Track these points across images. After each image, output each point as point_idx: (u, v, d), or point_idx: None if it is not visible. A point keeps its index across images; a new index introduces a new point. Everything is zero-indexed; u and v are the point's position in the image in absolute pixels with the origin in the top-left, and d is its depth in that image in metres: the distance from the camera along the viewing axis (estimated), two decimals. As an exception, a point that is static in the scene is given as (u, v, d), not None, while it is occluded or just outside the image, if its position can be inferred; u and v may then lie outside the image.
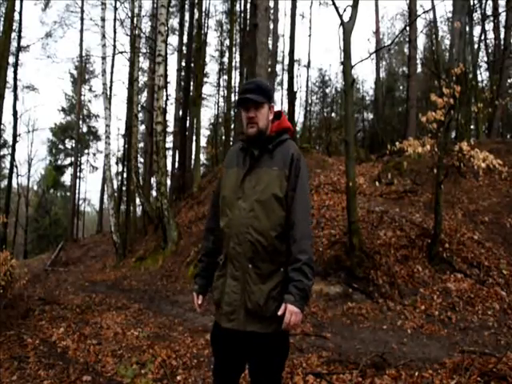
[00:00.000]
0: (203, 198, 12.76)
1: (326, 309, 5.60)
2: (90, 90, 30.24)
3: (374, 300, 5.68)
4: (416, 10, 14.57)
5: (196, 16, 15.97)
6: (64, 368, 3.67)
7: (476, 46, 14.83)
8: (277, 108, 1.97)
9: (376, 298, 5.71)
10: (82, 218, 32.74)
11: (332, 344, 4.30)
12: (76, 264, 15.21)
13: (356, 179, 7.39)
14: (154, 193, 18.38)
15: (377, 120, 20.08)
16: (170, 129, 24.67)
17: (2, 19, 12.80)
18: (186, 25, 19.25)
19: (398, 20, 26.88)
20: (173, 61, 23.78)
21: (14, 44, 15.89)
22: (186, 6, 19.63)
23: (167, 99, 17.88)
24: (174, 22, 23.25)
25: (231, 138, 16.35)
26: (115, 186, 18.86)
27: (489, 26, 16.43)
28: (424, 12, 19.82)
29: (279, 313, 1.67)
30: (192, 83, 17.12)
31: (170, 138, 25.41)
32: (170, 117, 24.67)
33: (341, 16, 6.55)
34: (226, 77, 20.18)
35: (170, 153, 22.92)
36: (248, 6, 16.64)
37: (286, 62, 21.33)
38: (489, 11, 15.62)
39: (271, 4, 15.96)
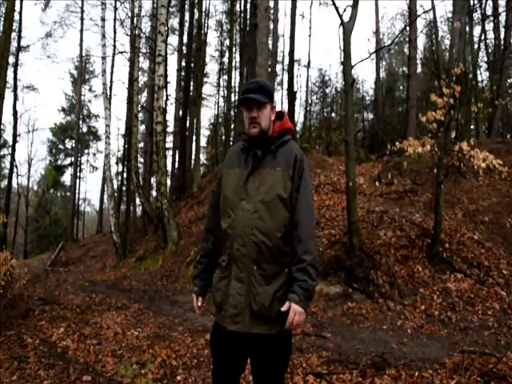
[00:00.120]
0: (203, 198, 12.76)
1: (326, 309, 5.60)
2: (90, 90, 30.27)
3: (374, 300, 5.68)
4: (416, 10, 14.57)
5: (196, 16, 15.97)
6: (64, 368, 3.67)
7: (476, 46, 14.84)
8: (277, 108, 1.96)
9: (376, 297, 5.71)
10: (82, 218, 32.74)
11: (332, 344, 4.30)
12: (76, 264, 15.21)
13: (356, 179, 7.39)
14: (154, 193, 18.40)
15: (377, 120, 20.08)
16: (170, 129, 24.69)
17: (2, 19, 12.80)
18: (186, 25, 19.27)
19: (398, 20, 26.90)
20: (173, 61, 23.82)
21: (14, 44, 15.90)
22: (186, 6, 19.63)
23: (167, 99, 17.89)
24: (174, 22, 23.29)
25: (231, 138, 16.35)
26: (115, 186, 18.87)
27: (489, 26, 16.46)
28: (424, 12, 19.84)
29: (283, 309, 1.66)
30: (192, 83, 17.12)
31: (170, 138, 25.44)
32: (170, 117, 24.73)
33: (341, 16, 6.55)
34: (226, 77, 20.19)
35: (170, 153, 22.95)
36: (248, 5, 16.64)
37: (286, 62, 21.35)
38: (489, 11, 15.64)
39: (271, 4, 15.97)
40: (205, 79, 24.01)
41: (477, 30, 18.53)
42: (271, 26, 16.50)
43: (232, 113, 18.32)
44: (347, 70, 6.51)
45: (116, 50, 16.74)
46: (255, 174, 1.80)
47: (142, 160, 21.84)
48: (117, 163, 25.59)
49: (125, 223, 15.20)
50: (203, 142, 25.93)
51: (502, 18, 14.24)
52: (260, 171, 1.80)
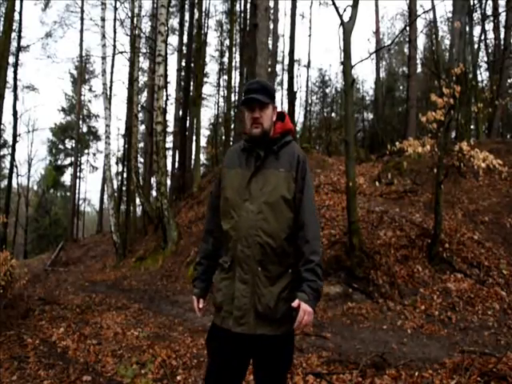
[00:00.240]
0: (203, 198, 12.76)
1: (326, 309, 5.60)
2: (90, 90, 30.26)
3: (374, 300, 5.68)
4: (416, 10, 14.57)
5: (196, 16, 15.98)
6: (64, 368, 3.67)
7: (476, 46, 14.83)
8: (277, 108, 1.96)
9: (376, 297, 5.71)
10: (82, 218, 32.74)
11: (332, 344, 4.30)
12: (76, 264, 15.21)
13: (356, 179, 7.39)
14: (154, 193, 18.42)
15: (377, 120, 20.07)
16: (170, 129, 24.69)
17: (2, 19, 12.80)
18: (186, 25, 19.27)
19: (398, 20, 26.92)
20: (173, 61, 23.82)
21: (14, 44, 15.89)
22: (186, 6, 19.63)
23: (167, 99, 17.88)
24: (174, 22, 23.28)
25: (231, 138, 16.35)
26: (115, 186, 18.86)
27: (489, 26, 16.45)
28: (424, 12, 19.84)
29: (294, 304, 1.66)
30: (192, 83, 17.12)
31: (170, 138, 25.44)
32: (170, 117, 24.71)
33: (341, 16, 6.55)
34: (226, 77, 20.18)
35: (170, 153, 22.94)
36: (248, 5, 16.64)
37: (286, 62, 21.34)
38: (489, 11, 15.63)
39: (271, 4, 15.97)
40: (205, 79, 24.01)
41: (477, 30, 18.54)
42: (271, 26, 16.50)
43: (232, 113, 18.32)
44: (347, 70, 6.51)
45: (116, 50, 16.74)
46: (258, 175, 1.78)
47: (142, 160, 21.85)
48: (117, 163, 25.62)
49: (125, 223, 15.20)
50: (203, 142, 25.95)
51: (502, 18, 14.26)
52: (263, 172, 1.78)
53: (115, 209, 13.38)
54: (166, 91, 16.73)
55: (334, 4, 6.69)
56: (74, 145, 27.67)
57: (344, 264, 6.31)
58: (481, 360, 3.40)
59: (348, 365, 3.55)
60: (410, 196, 8.44)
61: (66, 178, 32.23)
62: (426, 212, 7.42)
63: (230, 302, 1.76)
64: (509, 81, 15.23)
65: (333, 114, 23.74)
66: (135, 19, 13.97)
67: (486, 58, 16.75)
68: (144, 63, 21.54)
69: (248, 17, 16.61)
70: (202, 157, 23.28)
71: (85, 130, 29.99)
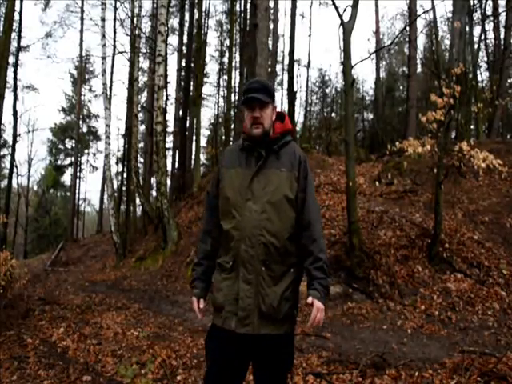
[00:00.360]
0: (203, 198, 12.75)
1: (326, 309, 5.53)
2: (90, 90, 30.24)
3: (374, 300, 5.68)
4: (416, 10, 14.57)
5: (196, 16, 15.97)
6: (64, 368, 3.67)
7: (476, 46, 14.83)
8: (277, 108, 1.96)
9: (376, 297, 5.71)
10: (82, 217, 32.73)
11: (332, 344, 4.30)
12: (76, 264, 15.21)
13: (356, 179, 7.39)
14: (154, 193, 18.41)
15: (377, 120, 20.07)
16: (170, 129, 24.67)
17: (2, 19, 12.80)
18: (186, 25, 19.26)
19: (398, 20, 26.91)
20: (173, 61, 23.80)
21: (14, 44, 15.88)
22: (186, 6, 19.62)
23: (167, 99, 17.88)
24: (174, 22, 23.26)
25: (231, 138, 16.33)
26: (115, 186, 18.86)
27: (489, 26, 16.44)
28: (424, 12, 19.85)
29: (308, 301, 1.67)
30: (192, 83, 17.12)
31: (170, 138, 25.42)
32: (170, 117, 24.69)
33: (341, 16, 6.55)
34: (226, 77, 20.17)
35: (170, 153, 22.92)
36: (248, 5, 16.63)
37: (286, 62, 21.32)
38: (489, 11, 15.63)
39: (271, 4, 15.98)
40: (205, 79, 24.00)
41: (477, 30, 18.53)
42: (271, 26, 16.50)
43: (232, 113, 18.31)
44: (347, 70, 6.51)
45: (116, 50, 16.74)
46: (259, 175, 1.77)
47: (142, 160, 21.84)
48: (117, 163, 25.61)
49: (125, 223, 15.20)
50: (203, 142, 25.96)
51: (502, 18, 14.26)
52: (264, 172, 1.78)
53: (115, 209, 13.39)
54: (166, 91, 16.73)
55: (334, 4, 6.70)
56: (74, 145, 27.67)
57: (344, 264, 6.31)
58: (481, 360, 3.40)
59: (348, 365, 3.55)
60: (410, 196, 8.44)
61: (66, 178, 32.28)
62: (426, 212, 7.42)
63: (234, 302, 1.74)
64: (509, 81, 15.23)
65: (333, 114, 23.74)
66: (135, 19, 13.97)
67: (486, 58, 16.76)
68: (144, 63, 21.56)
69: (248, 17, 16.60)
70: (202, 157, 23.27)
71: (85, 130, 29.99)
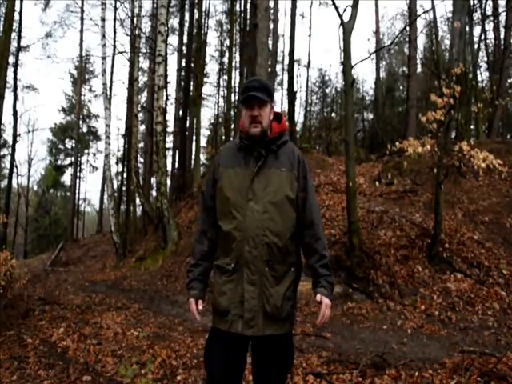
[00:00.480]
0: (203, 197, 12.74)
1: (327, 309, 5.59)
2: (90, 90, 30.23)
3: (374, 300, 5.68)
4: (416, 10, 14.57)
5: (196, 16, 15.96)
6: (64, 368, 3.67)
7: (476, 46, 14.82)
8: (277, 108, 1.95)
9: (376, 297, 5.71)
10: (82, 218, 32.72)
11: (332, 344, 4.30)
12: (76, 264, 15.21)
13: (356, 179, 7.39)
14: (154, 193, 18.40)
15: (377, 120, 20.07)
16: (170, 129, 24.66)
17: (2, 19, 12.79)
18: (186, 25, 19.25)
19: (398, 20, 26.90)
20: (173, 61, 23.78)
21: (14, 44, 15.87)
22: (186, 6, 19.61)
23: (167, 99, 17.88)
24: (174, 22, 23.25)
25: (231, 138, 16.34)
26: (115, 186, 18.86)
27: (489, 26, 16.43)
28: (424, 12, 19.84)
29: (317, 299, 1.71)
30: (192, 83, 17.11)
31: (170, 138, 25.40)
32: (170, 117, 24.67)
33: (341, 16, 6.55)
34: (226, 77, 20.17)
35: (170, 153, 22.91)
36: (248, 5, 16.63)
37: (286, 62, 21.32)
38: (489, 11, 15.62)
39: (271, 4, 15.97)
40: (205, 79, 23.99)
41: (477, 30, 18.51)
42: (271, 26, 16.49)
43: (232, 113, 18.30)
44: (347, 70, 6.51)
45: (116, 50, 16.73)
46: (260, 175, 1.76)
47: (142, 160, 21.83)
48: (117, 163, 25.61)
49: (125, 223, 15.20)
50: (203, 142, 25.94)
51: (502, 18, 14.25)
52: (264, 171, 1.77)
53: (115, 209, 13.39)
54: (166, 91, 16.73)
55: (334, 4, 6.70)
56: (74, 145, 27.66)
57: (344, 264, 6.31)
58: (481, 360, 3.40)
59: (348, 365, 3.55)
60: (410, 196, 8.44)
61: (66, 178, 32.27)
62: (426, 212, 7.42)
63: (239, 304, 1.72)
64: (509, 81, 15.23)
65: (333, 114, 23.74)
66: (135, 19, 13.97)
67: (486, 58, 16.76)
68: (144, 63, 21.55)
69: (248, 17, 16.60)
70: (202, 157, 23.23)
71: (85, 130, 29.98)
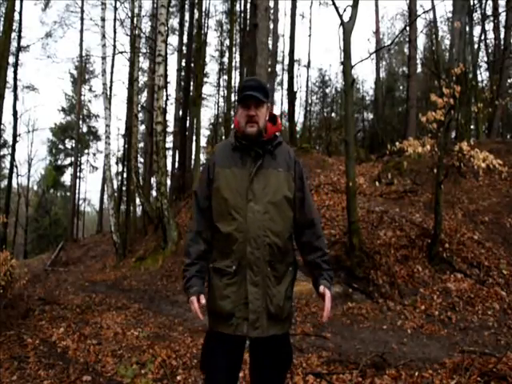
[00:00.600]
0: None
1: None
2: (90, 90, 30.22)
3: (374, 300, 5.68)
4: (416, 10, 14.57)
5: (196, 16, 15.94)
6: (64, 368, 3.67)
7: (476, 46, 14.82)
8: (277, 108, 1.96)
9: (376, 297, 5.71)
10: (82, 217, 32.71)
11: (332, 344, 4.30)
12: (76, 264, 15.21)
13: (356, 179, 7.39)
14: (154, 193, 18.40)
15: (377, 120, 20.07)
16: (170, 129, 24.65)
17: (2, 19, 12.79)
18: (186, 25, 19.26)
19: (398, 20, 26.87)
20: (173, 61, 23.76)
21: (14, 44, 15.86)
22: (186, 6, 19.62)
23: (167, 99, 17.88)
24: (174, 22, 23.24)
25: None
26: (115, 186, 18.86)
27: (489, 26, 16.43)
28: (424, 12, 19.82)
29: (321, 291, 1.72)
30: (192, 83, 17.11)
31: (170, 138, 25.39)
32: (170, 117, 24.65)
33: (341, 16, 6.55)
34: (226, 77, 20.16)
35: (170, 153, 22.90)
36: (248, 5, 16.64)
37: (286, 62, 21.34)
38: (489, 11, 15.63)
39: (271, 4, 15.98)
40: (205, 79, 23.98)
41: (477, 30, 18.49)
42: (271, 26, 16.50)
43: (232, 113, 18.28)
44: (347, 70, 6.51)
45: (116, 50, 16.73)
46: (258, 175, 1.75)
47: (142, 160, 21.83)
48: (117, 163, 25.61)
49: (125, 223, 15.20)
50: (203, 142, 25.88)
51: (502, 18, 14.25)
52: (262, 172, 1.76)
53: (115, 209, 13.39)
54: (166, 91, 16.73)
55: (334, 4, 6.70)
56: (74, 145, 27.66)
57: (344, 264, 6.31)
58: (481, 360, 3.40)
59: (348, 365, 3.55)
60: (410, 196, 8.44)
61: (66, 178, 32.24)
62: (426, 212, 7.42)
63: (243, 307, 1.70)
64: (509, 81, 15.22)
65: (333, 114, 23.74)
66: (135, 19, 13.97)
67: (486, 58, 16.76)
68: (144, 63, 21.54)
69: (248, 17, 16.61)
70: (202, 157, 23.14)
71: (85, 130, 29.97)
